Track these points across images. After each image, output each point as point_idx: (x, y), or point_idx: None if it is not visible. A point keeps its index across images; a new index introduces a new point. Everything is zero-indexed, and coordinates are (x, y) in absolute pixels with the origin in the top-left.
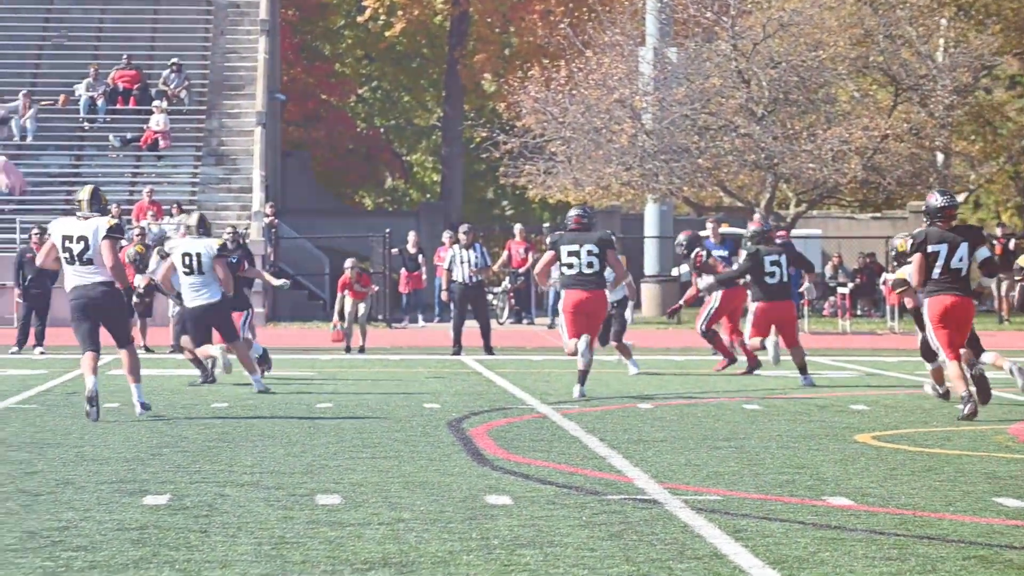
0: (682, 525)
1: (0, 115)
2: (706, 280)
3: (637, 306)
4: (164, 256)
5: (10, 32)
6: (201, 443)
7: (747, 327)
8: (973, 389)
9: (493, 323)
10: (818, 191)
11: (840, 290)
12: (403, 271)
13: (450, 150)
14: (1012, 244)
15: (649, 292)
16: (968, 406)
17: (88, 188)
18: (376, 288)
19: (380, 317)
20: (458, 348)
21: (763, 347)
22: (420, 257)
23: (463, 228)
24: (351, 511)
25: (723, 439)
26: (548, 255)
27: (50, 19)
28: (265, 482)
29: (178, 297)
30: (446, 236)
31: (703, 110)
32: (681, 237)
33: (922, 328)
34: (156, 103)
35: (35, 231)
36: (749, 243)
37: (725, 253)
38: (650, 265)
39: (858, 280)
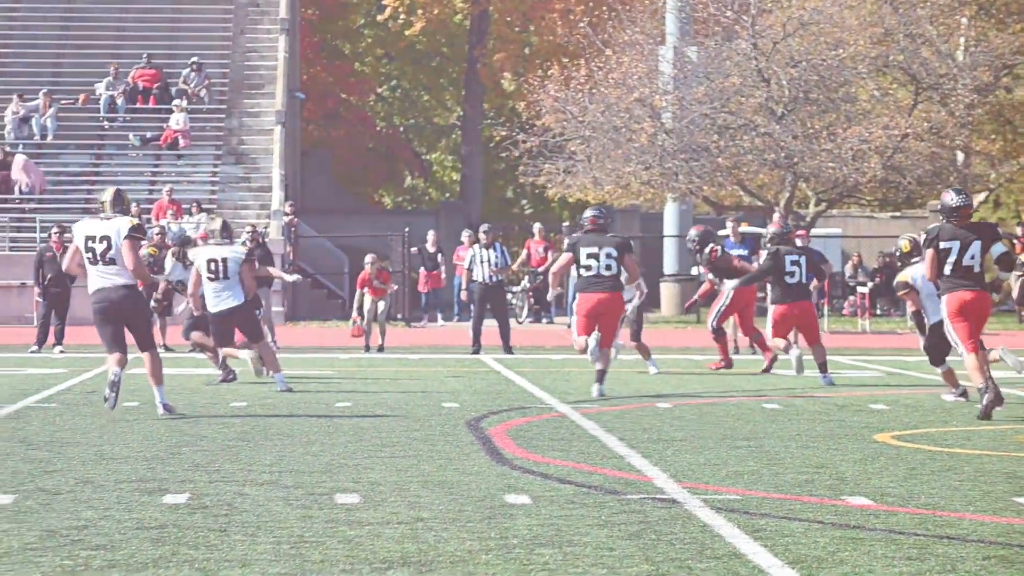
0: (701, 524)
1: (20, 114)
2: (731, 283)
3: (656, 306)
4: (188, 264)
5: (31, 31)
6: (220, 442)
7: (768, 328)
8: (991, 380)
9: (512, 322)
10: (838, 190)
11: (860, 289)
12: (422, 270)
13: (469, 149)
14: None
15: (668, 291)
16: (988, 395)
17: (111, 190)
18: (395, 287)
19: (399, 316)
20: (477, 347)
21: (787, 353)
22: (439, 256)
23: (483, 228)
24: (370, 510)
25: (742, 438)
26: (566, 257)
27: (70, 18)
28: (284, 481)
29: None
30: (465, 235)
31: (723, 109)
32: (692, 232)
33: (922, 332)
34: (176, 102)
35: (55, 230)
36: (768, 243)
37: (745, 252)
38: (669, 264)
39: (878, 279)
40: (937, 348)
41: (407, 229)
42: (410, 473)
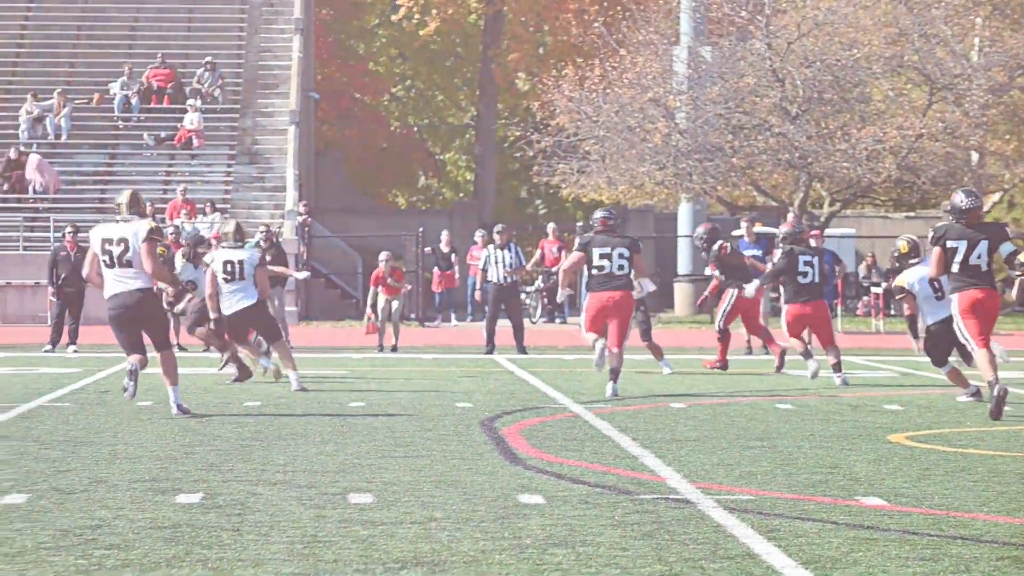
0: (715, 525)
1: (35, 114)
2: (753, 286)
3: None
4: (198, 265)
5: (45, 31)
6: (234, 441)
7: (783, 329)
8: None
9: (526, 322)
10: (852, 190)
11: (874, 290)
12: (436, 270)
13: (483, 149)
14: None
15: (682, 291)
16: (997, 388)
17: (127, 192)
18: (409, 286)
19: (413, 316)
20: (491, 347)
21: (805, 359)
22: (453, 256)
23: (497, 228)
24: (383, 510)
25: (756, 439)
26: (577, 255)
27: (85, 18)
28: (298, 481)
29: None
30: (479, 235)
31: (737, 109)
32: (700, 230)
33: (915, 335)
34: (190, 102)
35: (69, 230)
36: (781, 243)
37: (759, 252)
38: (683, 264)
39: (892, 280)
40: (937, 349)
41: (421, 229)
42: (423, 473)
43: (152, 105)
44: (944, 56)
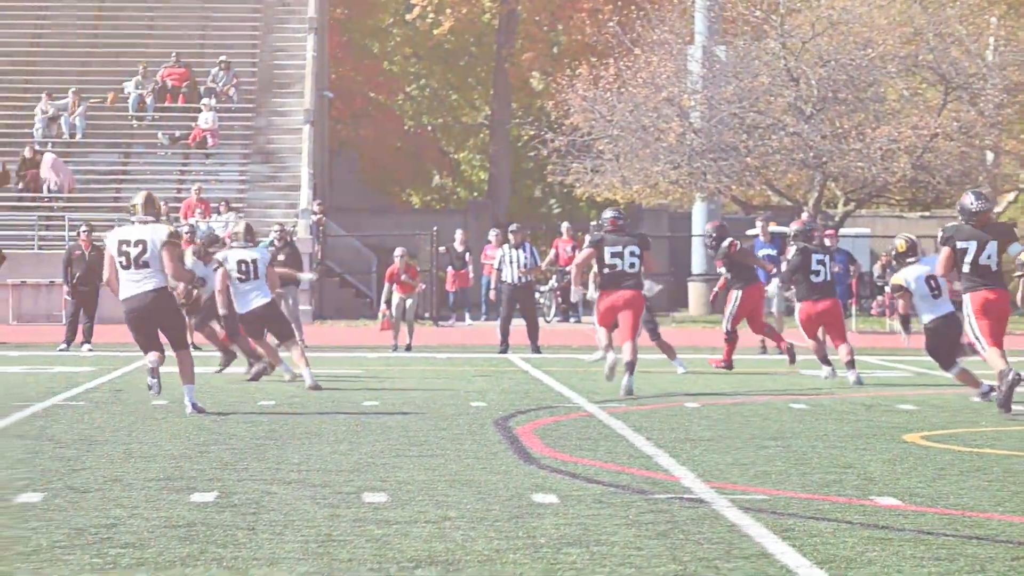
0: (729, 524)
1: (50, 113)
2: (775, 284)
3: (684, 306)
4: (209, 263)
5: (60, 30)
6: (248, 440)
7: (799, 329)
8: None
9: (540, 322)
10: (867, 190)
11: (888, 289)
12: (450, 269)
13: (497, 148)
14: None
15: (696, 290)
16: (1011, 374)
17: (142, 194)
18: (423, 285)
19: (427, 315)
20: (505, 346)
21: (823, 365)
22: (467, 255)
23: (512, 228)
24: (397, 509)
25: (770, 438)
26: (588, 251)
27: (99, 17)
28: (312, 480)
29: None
30: (493, 235)
31: (751, 108)
32: (709, 228)
33: (906, 331)
34: (205, 101)
35: (83, 229)
36: (792, 241)
37: (774, 252)
38: (697, 264)
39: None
40: (938, 348)
41: (435, 228)
42: (438, 472)
43: (167, 104)
44: (959, 55)
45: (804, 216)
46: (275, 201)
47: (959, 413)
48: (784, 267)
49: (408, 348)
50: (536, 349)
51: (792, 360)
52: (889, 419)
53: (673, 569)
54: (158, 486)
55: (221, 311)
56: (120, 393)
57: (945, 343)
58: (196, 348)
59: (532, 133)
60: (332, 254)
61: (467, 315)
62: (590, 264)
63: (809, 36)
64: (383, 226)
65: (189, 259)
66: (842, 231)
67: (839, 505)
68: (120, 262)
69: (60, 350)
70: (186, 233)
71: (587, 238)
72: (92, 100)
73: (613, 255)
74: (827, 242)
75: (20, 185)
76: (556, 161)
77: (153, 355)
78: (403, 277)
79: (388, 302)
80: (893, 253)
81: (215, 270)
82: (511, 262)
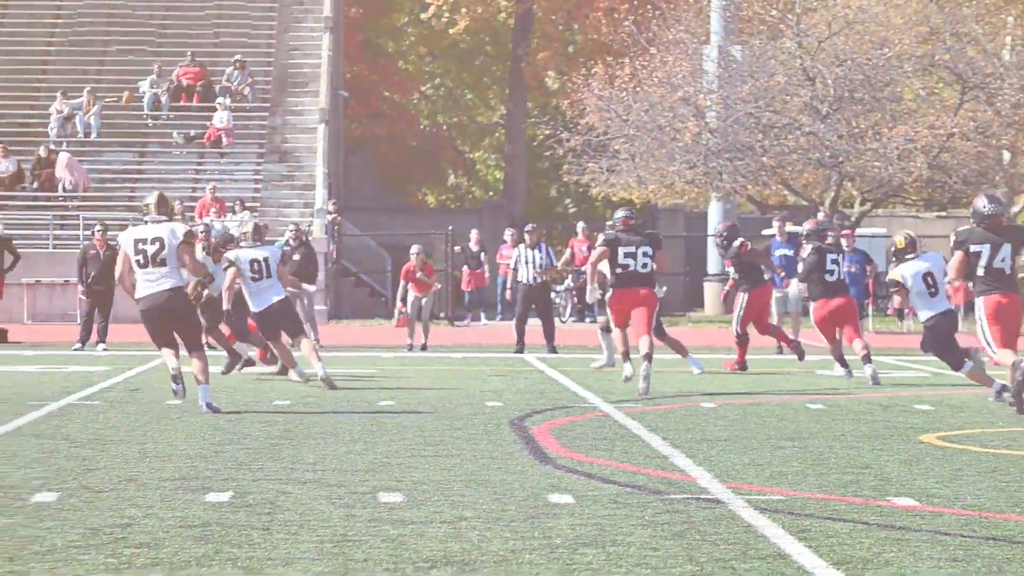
0: (745, 525)
1: (65, 112)
2: (795, 285)
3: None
4: (228, 263)
5: (75, 29)
6: (263, 440)
7: (816, 329)
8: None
9: (556, 322)
10: (883, 190)
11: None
12: (465, 269)
13: (513, 148)
14: None
15: (712, 290)
16: (1023, 364)
17: (155, 194)
18: (439, 284)
19: (442, 315)
20: (521, 346)
21: (840, 367)
22: (482, 255)
23: (528, 227)
24: (413, 509)
25: (786, 438)
26: (602, 249)
27: (114, 16)
28: (327, 480)
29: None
30: (508, 234)
31: (767, 108)
32: (720, 228)
33: (900, 319)
34: (220, 100)
35: (98, 228)
36: (806, 240)
37: (791, 251)
38: (713, 264)
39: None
40: (939, 347)
41: (450, 228)
42: (453, 472)
43: (181, 103)
44: (975, 55)
45: (820, 216)
46: (290, 200)
47: (976, 414)
48: (800, 267)
49: (424, 348)
50: (552, 349)
51: (801, 357)
52: (906, 419)
53: (689, 570)
54: (173, 486)
55: (226, 307)
56: (135, 393)
57: (945, 341)
58: (211, 348)
59: (547, 132)
60: (347, 253)
61: (483, 315)
62: (602, 261)
63: (825, 35)
64: (398, 226)
65: (199, 255)
66: (858, 231)
67: (856, 506)
68: (137, 260)
69: (75, 349)
70: (201, 232)
71: (600, 237)
72: (107, 99)
73: (627, 255)
74: (843, 242)
75: (35, 184)
76: (572, 161)
77: (172, 360)
78: (419, 275)
79: (404, 300)
80: (892, 250)
81: (225, 269)
82: (527, 262)
